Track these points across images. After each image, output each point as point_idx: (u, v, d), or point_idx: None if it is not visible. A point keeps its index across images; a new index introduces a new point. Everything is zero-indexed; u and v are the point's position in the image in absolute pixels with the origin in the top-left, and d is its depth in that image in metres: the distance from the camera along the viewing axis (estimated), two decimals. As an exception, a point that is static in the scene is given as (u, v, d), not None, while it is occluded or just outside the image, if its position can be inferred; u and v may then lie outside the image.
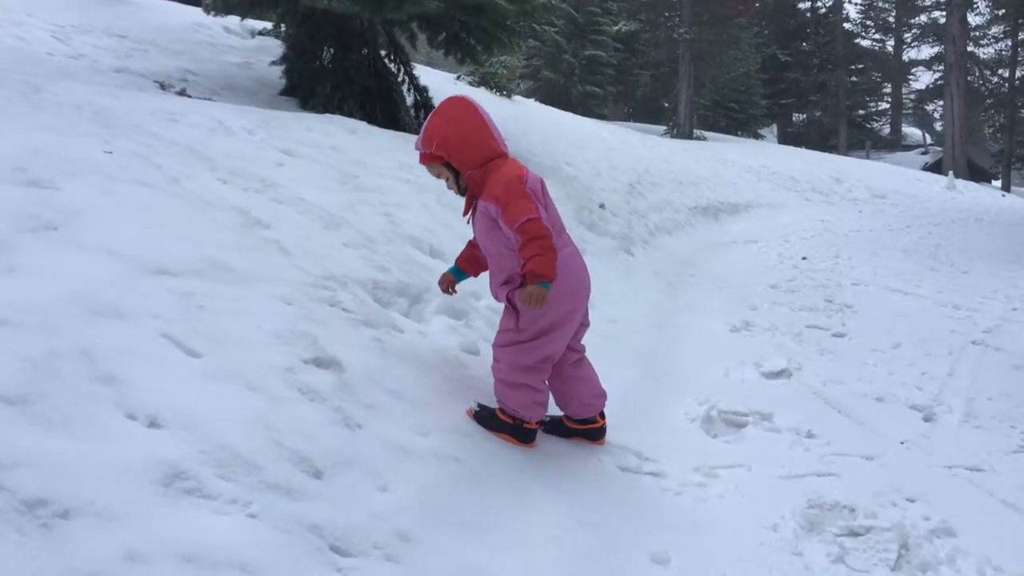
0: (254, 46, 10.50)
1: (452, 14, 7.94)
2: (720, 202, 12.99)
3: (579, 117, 18.10)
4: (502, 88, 15.77)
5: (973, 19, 33.88)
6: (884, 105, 42.26)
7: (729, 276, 8.12)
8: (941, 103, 34.72)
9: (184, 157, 4.39)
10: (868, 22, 40.45)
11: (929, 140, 41.55)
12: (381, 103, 8.39)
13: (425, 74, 10.76)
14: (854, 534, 3.01)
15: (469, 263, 3.49)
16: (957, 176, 24.35)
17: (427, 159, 3.18)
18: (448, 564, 2.33)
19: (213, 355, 2.62)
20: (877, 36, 41.06)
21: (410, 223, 4.95)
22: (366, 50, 8.51)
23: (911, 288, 7.64)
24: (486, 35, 8.50)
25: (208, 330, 2.74)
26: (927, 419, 4.22)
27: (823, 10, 38.70)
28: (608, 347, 4.58)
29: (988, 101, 35.35)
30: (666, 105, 33.10)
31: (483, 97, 13.44)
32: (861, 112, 39.60)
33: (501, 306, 3.30)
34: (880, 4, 39.75)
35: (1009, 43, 33.62)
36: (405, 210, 5.11)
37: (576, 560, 2.60)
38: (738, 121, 28.55)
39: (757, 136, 29.00)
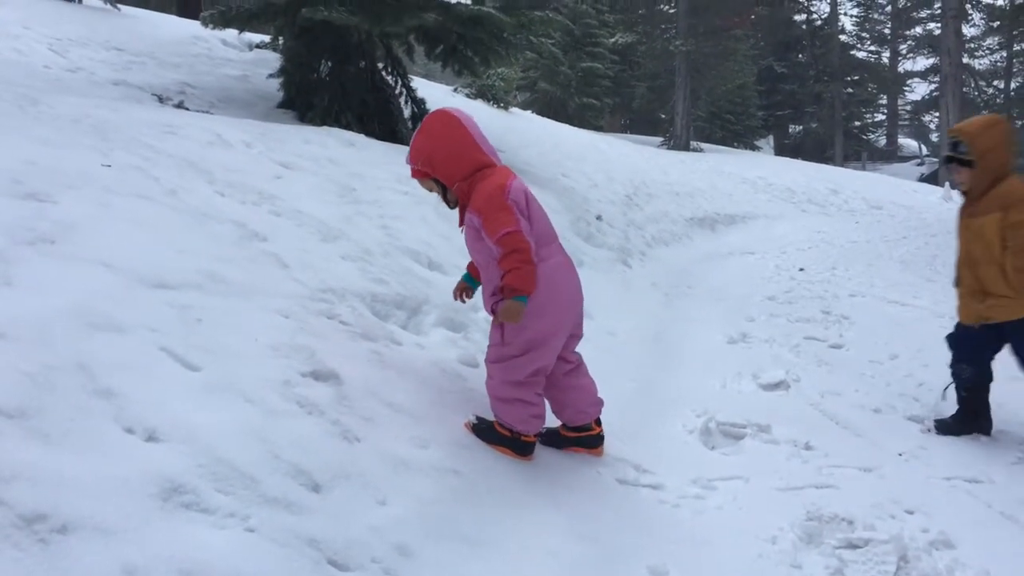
0: (252, 59, 10.53)
1: (450, 27, 7.98)
2: (717, 213, 13.01)
3: (576, 129, 18.19)
4: (499, 100, 15.83)
5: (968, 31, 34.09)
6: (880, 116, 42.48)
7: (726, 288, 8.11)
8: (937, 114, 34.84)
9: (182, 170, 4.40)
10: (863, 34, 40.80)
11: (925, 151, 41.63)
12: (379, 116, 8.42)
13: (423, 86, 10.80)
14: (853, 546, 3.00)
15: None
16: (953, 187, 24.39)
17: (416, 174, 3.23)
18: (446, 578, 2.32)
19: (211, 368, 2.62)
20: (872, 48, 41.46)
21: (408, 235, 4.95)
22: (364, 63, 8.54)
23: (908, 299, 7.63)
24: (483, 47, 8.55)
25: (206, 343, 2.74)
26: (925, 431, 4.22)
27: (819, 22, 38.89)
28: (605, 359, 4.58)
29: (984, 112, 35.47)
30: (663, 117, 33.20)
31: (480, 109, 13.49)
32: (857, 123, 39.78)
33: (498, 318, 3.31)
34: (875, 16, 40.04)
35: (1004, 54, 33.85)
36: (403, 222, 5.12)
37: (574, 573, 2.60)
38: (734, 132, 28.68)
39: (753, 147, 29.10)
